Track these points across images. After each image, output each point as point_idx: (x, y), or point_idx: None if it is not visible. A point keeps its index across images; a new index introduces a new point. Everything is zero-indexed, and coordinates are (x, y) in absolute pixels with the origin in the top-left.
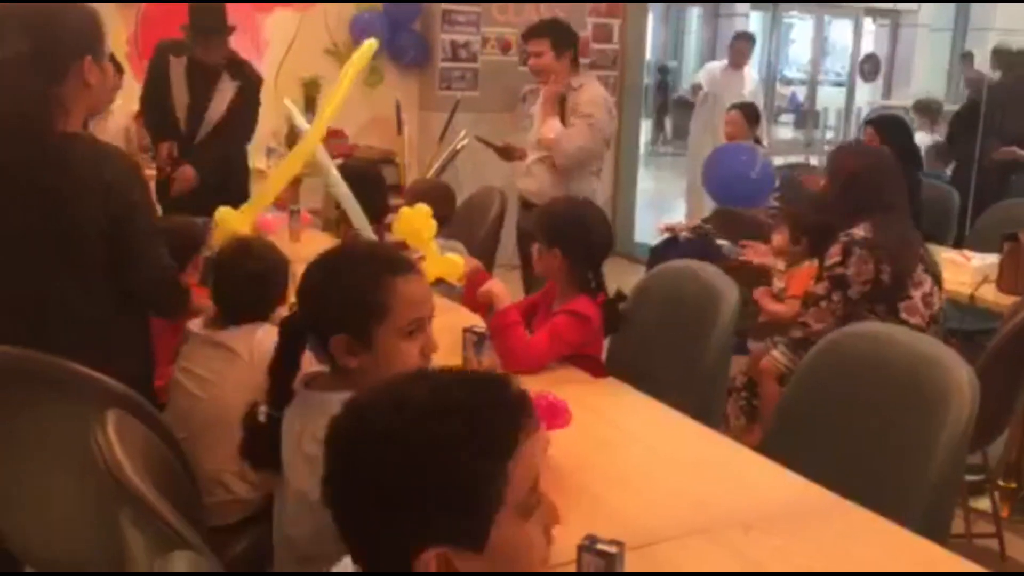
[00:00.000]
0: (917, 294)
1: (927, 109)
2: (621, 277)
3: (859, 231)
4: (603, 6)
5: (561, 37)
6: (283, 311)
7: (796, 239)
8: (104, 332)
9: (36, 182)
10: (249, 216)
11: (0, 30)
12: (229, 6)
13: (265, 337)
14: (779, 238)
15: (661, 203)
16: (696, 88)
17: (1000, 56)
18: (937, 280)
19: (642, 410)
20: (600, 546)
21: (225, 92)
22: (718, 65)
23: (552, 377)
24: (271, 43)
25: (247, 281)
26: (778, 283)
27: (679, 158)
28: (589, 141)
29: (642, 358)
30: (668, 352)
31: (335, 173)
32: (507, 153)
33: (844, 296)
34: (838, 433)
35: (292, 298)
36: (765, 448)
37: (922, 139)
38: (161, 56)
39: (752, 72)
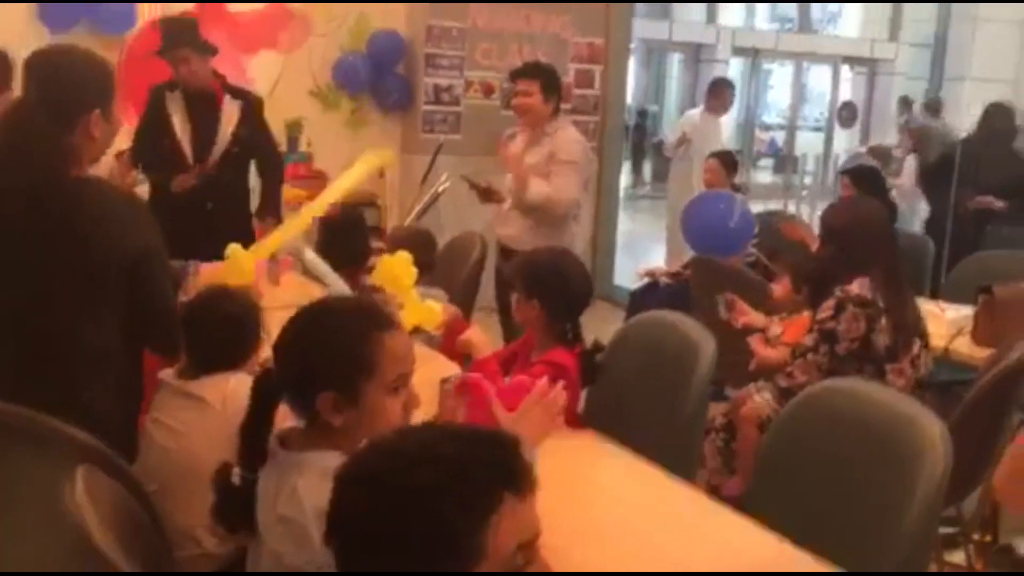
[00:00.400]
0: (905, 358)
1: (880, 154)
2: (600, 321)
3: (855, 288)
4: (585, 52)
5: (551, 81)
6: (256, 360)
7: (798, 288)
8: (110, 367)
9: (55, 220)
10: (256, 256)
11: (24, 77)
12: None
13: (238, 386)
14: (780, 288)
15: (641, 246)
16: (682, 140)
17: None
18: (924, 341)
19: (617, 464)
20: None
21: (231, 114)
22: (697, 112)
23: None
24: (255, 85)
25: (218, 329)
26: (775, 328)
27: (659, 201)
28: (576, 188)
29: (620, 409)
30: (646, 403)
31: (310, 256)
32: (488, 195)
33: (831, 351)
34: (816, 486)
35: (266, 346)
36: (746, 499)
37: None
38: (156, 95)
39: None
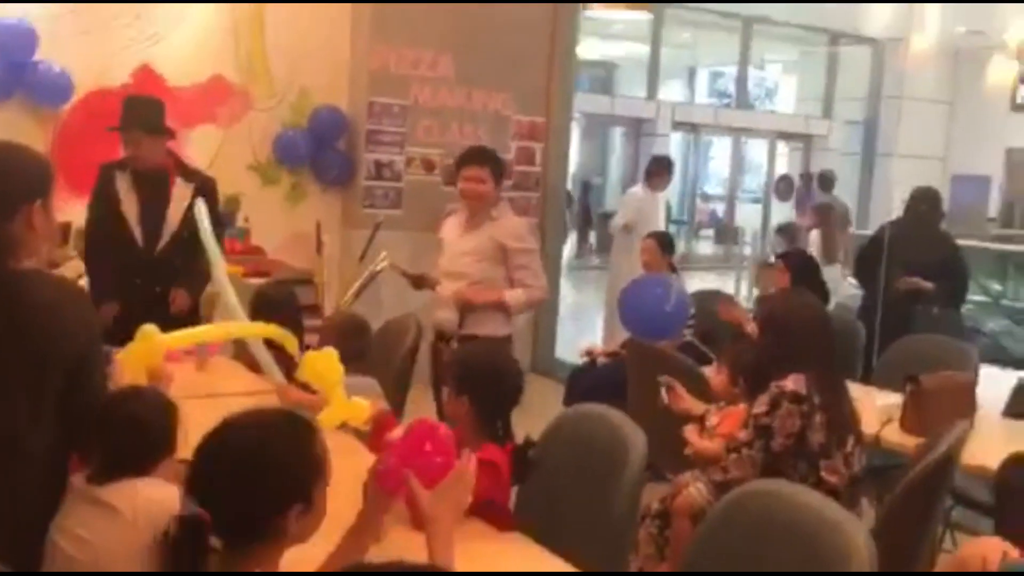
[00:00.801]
0: (839, 454)
1: (788, 231)
2: (540, 398)
3: (790, 383)
4: (526, 129)
5: (499, 167)
6: (169, 463)
7: (734, 380)
8: (43, 470)
9: None
10: (151, 351)
11: None
12: None
13: (151, 493)
14: (718, 379)
15: (586, 317)
16: (627, 228)
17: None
18: (858, 438)
19: (545, 569)
20: None
21: (182, 196)
22: (639, 188)
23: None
24: (193, 158)
25: (128, 431)
26: (712, 418)
27: (603, 271)
28: (543, 271)
29: (552, 505)
30: (578, 498)
31: (254, 341)
32: (420, 282)
33: (766, 446)
34: None
35: (184, 443)
36: None
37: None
38: (106, 174)
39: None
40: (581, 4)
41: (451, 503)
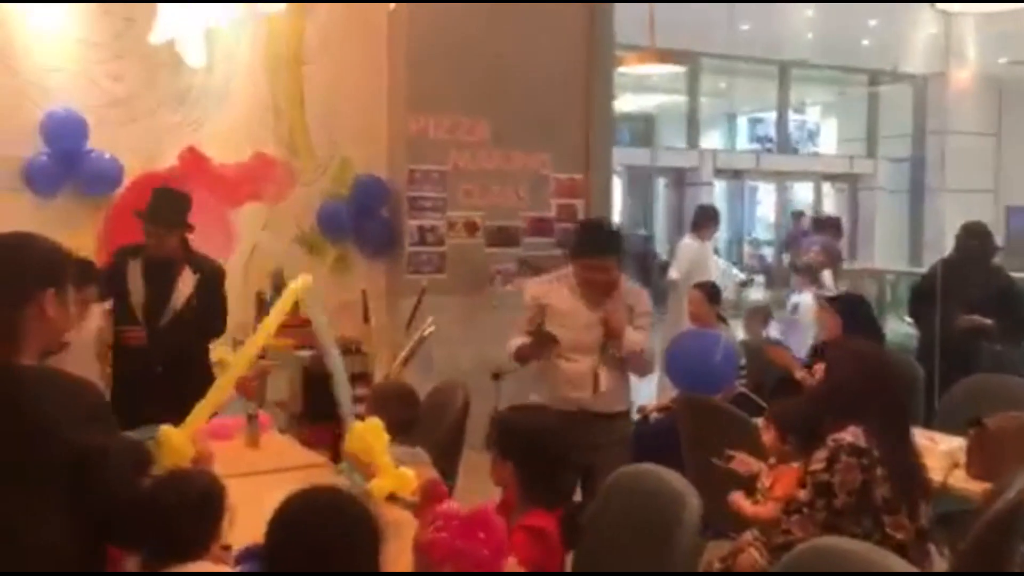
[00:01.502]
0: (904, 507)
1: (806, 271)
2: None
3: (848, 436)
4: (566, 188)
5: (620, 248)
6: (218, 548)
7: (783, 437)
8: (55, 566)
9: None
10: (190, 431)
11: None
12: (199, 201)
13: None
14: (768, 436)
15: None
16: (673, 283)
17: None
18: (924, 489)
19: None
20: None
21: (186, 285)
22: (689, 241)
23: None
24: (240, 236)
25: (176, 519)
26: (765, 480)
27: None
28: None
29: (607, 568)
30: (633, 561)
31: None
32: (544, 342)
33: (829, 504)
34: None
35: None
36: None
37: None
38: (119, 259)
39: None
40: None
41: None
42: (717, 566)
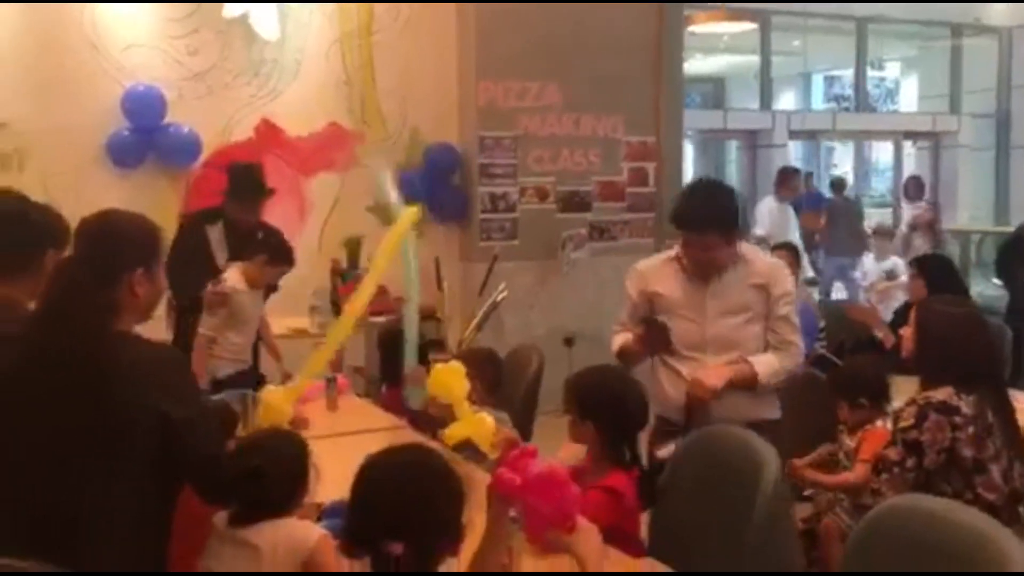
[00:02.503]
0: (995, 468)
1: (883, 232)
2: None
3: (938, 394)
4: (638, 151)
5: (730, 222)
6: (304, 503)
7: (852, 401)
8: (129, 521)
9: (85, 375)
10: (295, 394)
11: (75, 239)
12: (274, 171)
13: (290, 532)
14: (841, 412)
15: None
16: (763, 241)
17: None
18: (1019, 450)
19: None
20: None
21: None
22: (770, 202)
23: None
24: (315, 205)
25: (268, 476)
26: (848, 441)
27: None
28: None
29: (685, 531)
30: (711, 523)
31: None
32: (659, 335)
33: (919, 464)
34: None
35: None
36: None
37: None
38: (196, 225)
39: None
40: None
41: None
42: (800, 527)
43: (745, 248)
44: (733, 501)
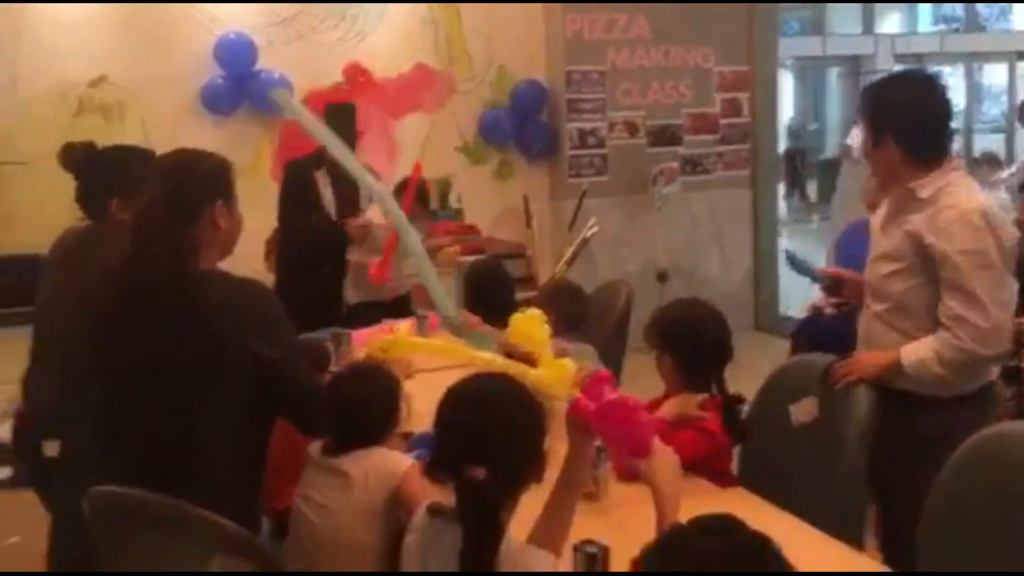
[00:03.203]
0: None
1: (991, 161)
2: (765, 353)
3: None
4: (730, 80)
5: (893, 118)
6: (394, 435)
7: None
8: (228, 451)
9: (173, 313)
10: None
11: (152, 179)
12: (362, 114)
13: (380, 461)
14: None
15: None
16: (846, 149)
17: None
18: None
19: (767, 525)
20: (587, 548)
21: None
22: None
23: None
24: (404, 145)
25: (361, 407)
26: None
27: (823, 224)
28: (1001, 294)
29: (776, 464)
30: (803, 455)
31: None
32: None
33: (1020, 392)
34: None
35: (407, 417)
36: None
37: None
38: (302, 172)
39: None
40: None
41: (670, 474)
42: None
43: (953, 179)
44: (825, 434)
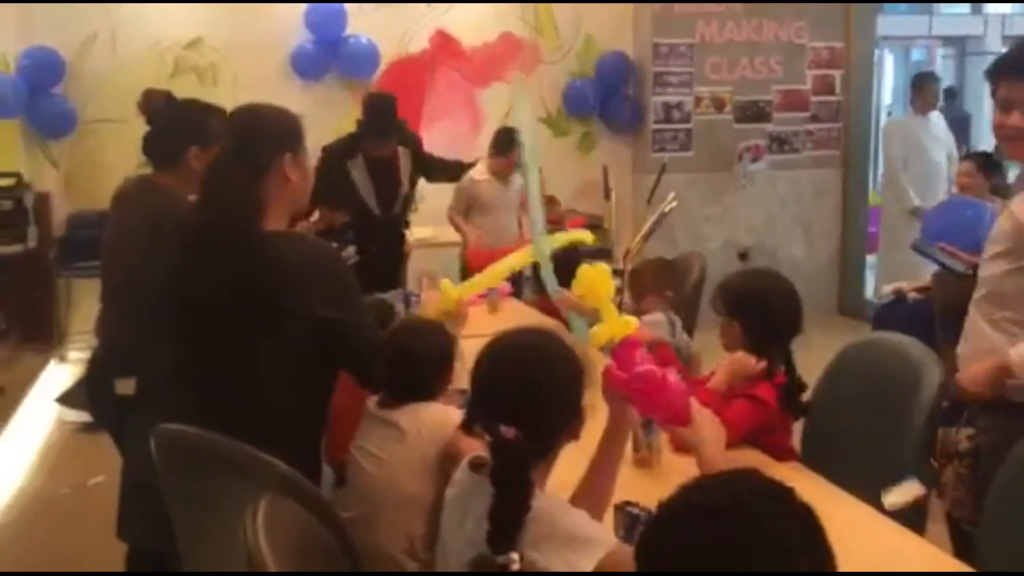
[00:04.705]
0: None
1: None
2: (847, 337)
3: None
4: (825, 57)
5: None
6: (448, 390)
7: None
8: (292, 402)
9: (239, 271)
10: (471, 289)
11: (225, 135)
12: (448, 83)
13: (432, 415)
14: None
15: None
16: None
17: None
18: None
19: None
20: (629, 508)
21: (405, 165)
22: (900, 117)
23: (728, 460)
24: (488, 116)
25: (415, 362)
26: None
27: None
28: None
29: (837, 442)
30: (864, 436)
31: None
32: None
33: None
34: None
35: (461, 375)
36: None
37: None
38: (335, 162)
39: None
40: None
41: (711, 440)
42: (965, 445)
43: None
44: (889, 412)
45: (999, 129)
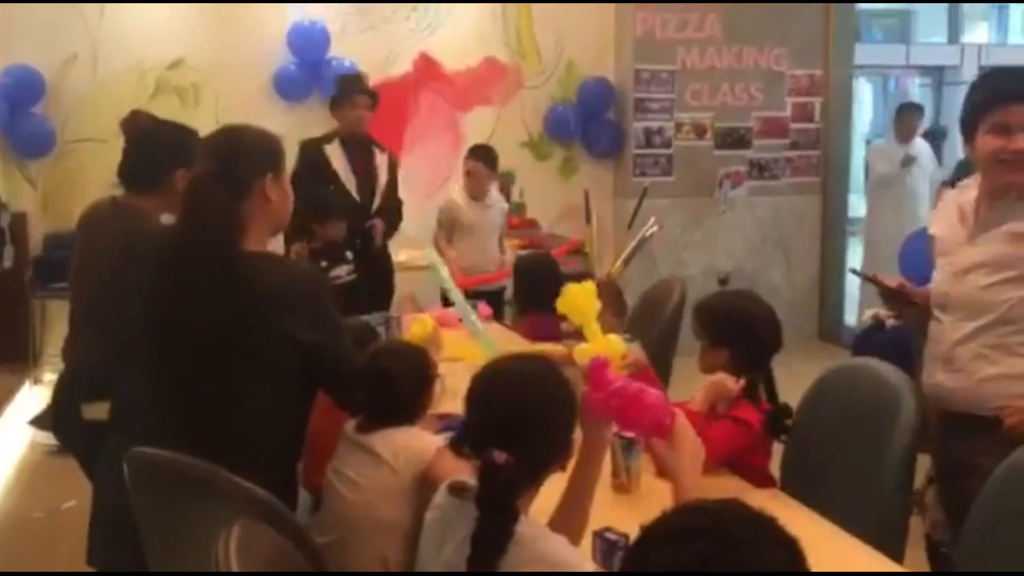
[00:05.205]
0: None
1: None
2: (826, 362)
3: None
4: (804, 84)
5: None
6: (429, 417)
7: None
8: (267, 426)
9: (218, 293)
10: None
11: (203, 155)
12: (430, 106)
13: (409, 442)
14: None
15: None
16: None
17: None
18: None
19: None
20: (608, 535)
21: (383, 164)
22: (883, 143)
23: (706, 484)
24: (469, 140)
25: (393, 387)
26: None
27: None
28: None
29: (817, 468)
30: (844, 461)
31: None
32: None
33: None
34: None
35: (442, 399)
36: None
37: None
38: (311, 148)
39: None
40: None
41: (688, 453)
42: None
43: None
44: (868, 438)
45: (997, 153)
